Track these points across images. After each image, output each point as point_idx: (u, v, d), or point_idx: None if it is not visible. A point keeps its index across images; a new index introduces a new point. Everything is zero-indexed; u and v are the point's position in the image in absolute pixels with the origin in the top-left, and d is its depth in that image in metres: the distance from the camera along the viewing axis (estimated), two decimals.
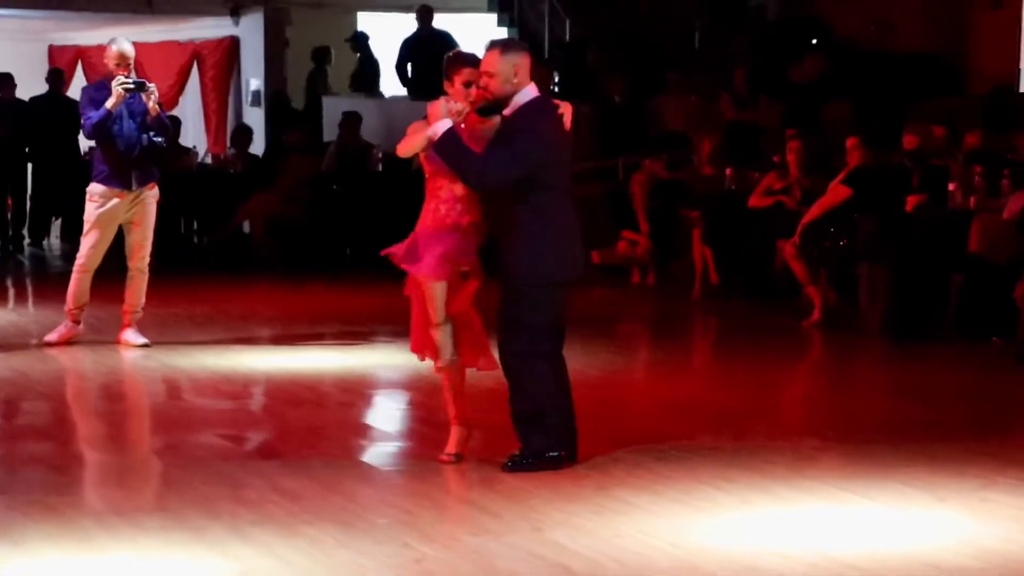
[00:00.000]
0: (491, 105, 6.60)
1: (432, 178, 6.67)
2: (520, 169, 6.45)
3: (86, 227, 10.09)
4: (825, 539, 5.79)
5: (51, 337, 10.17)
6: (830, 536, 5.84)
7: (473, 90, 6.56)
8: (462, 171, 6.46)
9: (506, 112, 6.60)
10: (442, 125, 6.42)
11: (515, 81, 6.53)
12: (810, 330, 11.10)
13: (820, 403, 8.97)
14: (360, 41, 18.23)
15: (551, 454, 6.64)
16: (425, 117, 6.58)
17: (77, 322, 10.22)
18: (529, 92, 6.58)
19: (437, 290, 6.58)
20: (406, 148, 6.62)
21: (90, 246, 10.07)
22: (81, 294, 10.15)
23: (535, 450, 6.62)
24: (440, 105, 6.48)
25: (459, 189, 6.58)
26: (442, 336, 6.64)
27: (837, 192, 11.22)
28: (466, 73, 6.58)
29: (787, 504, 6.29)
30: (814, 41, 15.11)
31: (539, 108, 6.57)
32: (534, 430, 6.62)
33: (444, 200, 6.62)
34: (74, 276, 10.17)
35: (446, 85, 6.67)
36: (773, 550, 5.64)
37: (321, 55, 18.46)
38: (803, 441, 7.53)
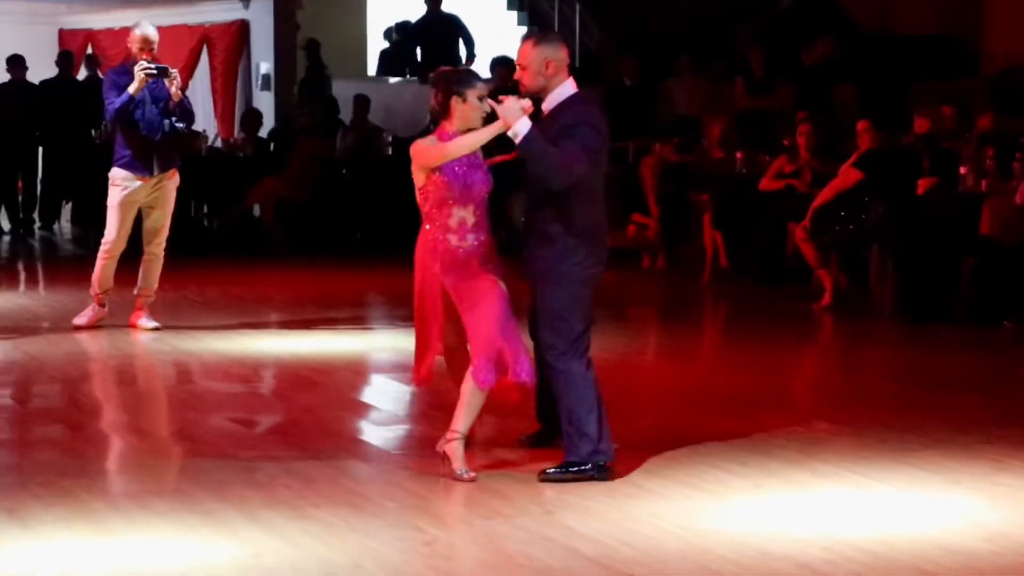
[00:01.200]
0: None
1: (440, 207, 6.33)
2: (589, 164, 6.23)
3: (109, 212, 10.03)
4: (837, 522, 5.79)
5: (80, 320, 10.20)
6: (842, 519, 5.83)
7: (487, 103, 6.32)
8: (550, 168, 6.14)
9: (545, 107, 6.36)
10: (523, 125, 6.11)
11: (547, 74, 6.30)
12: (821, 314, 11.08)
13: (831, 387, 8.95)
14: (310, 48, 18.20)
15: (597, 461, 6.32)
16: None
17: (103, 305, 10.23)
18: (568, 87, 6.35)
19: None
20: (460, 148, 6.25)
21: (114, 231, 10.01)
22: (106, 279, 10.13)
23: (581, 456, 6.33)
24: (512, 104, 6.14)
25: (469, 216, 6.33)
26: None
27: (848, 175, 11.19)
28: (481, 88, 6.38)
29: (799, 487, 6.28)
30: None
31: (582, 101, 6.37)
32: (581, 435, 6.33)
33: (454, 230, 6.32)
34: (99, 261, 10.13)
35: (455, 101, 6.30)
36: (785, 533, 5.63)
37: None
38: (814, 425, 7.52)
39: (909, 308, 10.60)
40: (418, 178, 6.41)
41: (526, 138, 6.11)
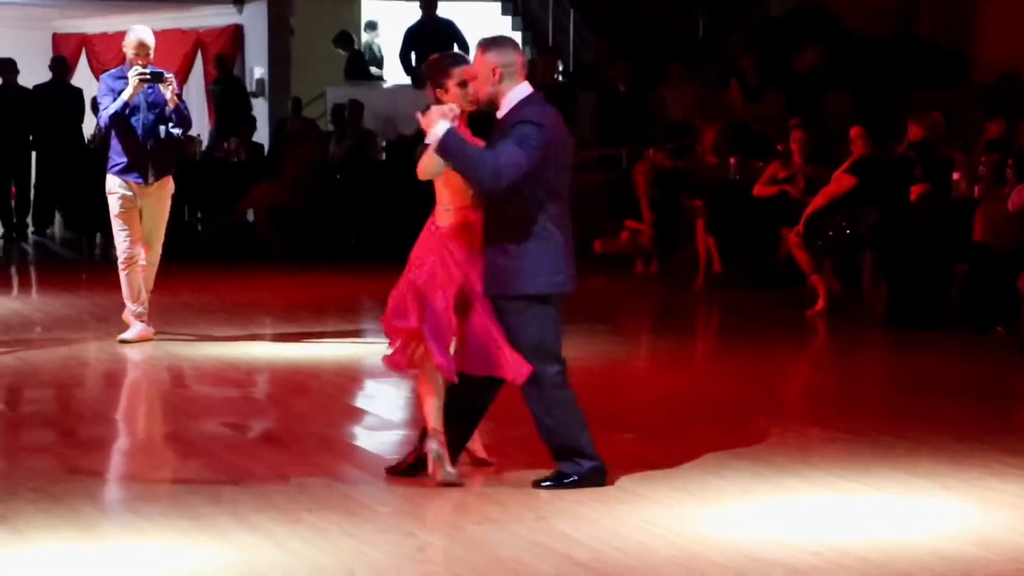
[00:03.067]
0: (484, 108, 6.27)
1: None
2: (530, 161, 6.03)
3: (114, 224, 9.83)
4: (829, 528, 5.79)
5: (127, 336, 9.80)
6: (834, 525, 5.83)
7: (471, 88, 6.25)
8: (475, 171, 6.01)
9: (499, 114, 6.22)
10: (440, 128, 6.04)
11: (494, 81, 6.16)
12: (814, 319, 11.09)
13: (824, 392, 8.96)
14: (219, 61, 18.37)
15: (594, 474, 6.26)
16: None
17: (146, 323, 9.88)
18: (522, 90, 6.20)
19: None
20: (425, 170, 6.23)
21: (124, 240, 9.78)
22: (134, 289, 9.81)
23: (581, 471, 6.24)
24: (433, 111, 6.11)
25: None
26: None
27: (841, 181, 11.20)
28: (458, 73, 6.30)
29: (790, 493, 6.28)
30: None
31: (534, 102, 6.20)
32: (576, 453, 6.25)
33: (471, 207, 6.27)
34: (121, 275, 9.83)
35: (439, 94, 6.27)
36: (776, 539, 5.63)
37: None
38: (806, 430, 7.52)
39: (902, 314, 10.60)
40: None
41: (442, 140, 6.01)
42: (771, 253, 12.13)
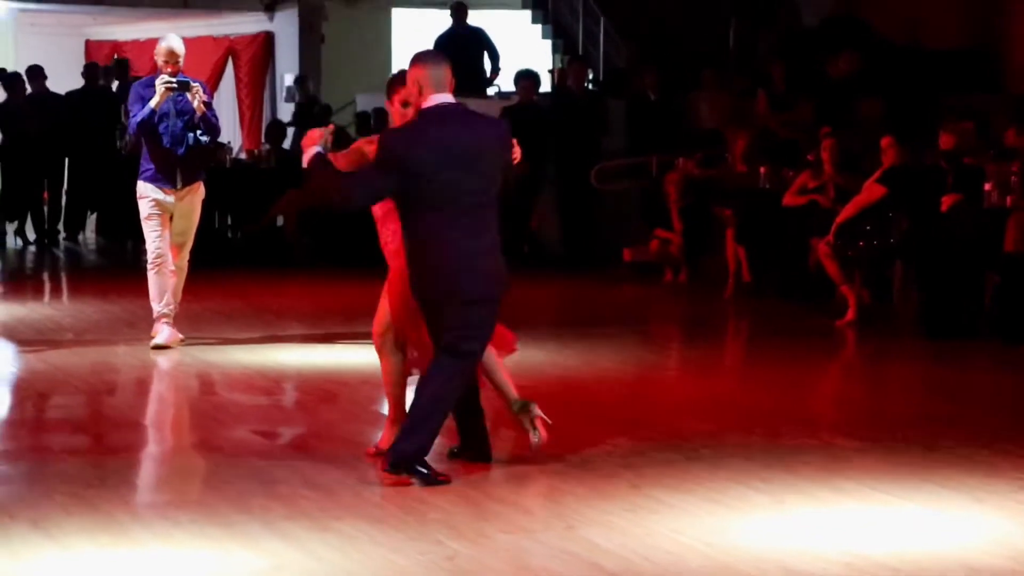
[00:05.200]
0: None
1: None
2: (383, 184, 6.39)
3: (144, 226, 9.90)
4: (860, 540, 5.77)
5: (159, 340, 9.88)
6: (865, 537, 5.81)
7: (410, 110, 6.54)
8: (327, 193, 6.50)
9: None
10: (311, 151, 6.44)
11: (415, 95, 6.46)
12: (844, 330, 11.05)
13: (854, 403, 8.93)
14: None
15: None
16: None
17: (172, 326, 9.95)
18: (428, 103, 6.46)
19: None
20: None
21: (154, 240, 9.87)
22: (161, 291, 9.88)
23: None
24: (310, 133, 6.53)
25: None
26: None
27: (872, 191, 11.17)
28: (403, 93, 6.58)
29: (821, 504, 6.27)
30: None
31: (412, 121, 6.48)
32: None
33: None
34: (149, 276, 9.92)
35: (386, 104, 6.77)
36: (807, 550, 5.62)
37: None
38: (837, 441, 7.50)
39: (932, 324, 10.56)
40: None
41: (309, 164, 6.45)
42: (801, 263, 12.10)
